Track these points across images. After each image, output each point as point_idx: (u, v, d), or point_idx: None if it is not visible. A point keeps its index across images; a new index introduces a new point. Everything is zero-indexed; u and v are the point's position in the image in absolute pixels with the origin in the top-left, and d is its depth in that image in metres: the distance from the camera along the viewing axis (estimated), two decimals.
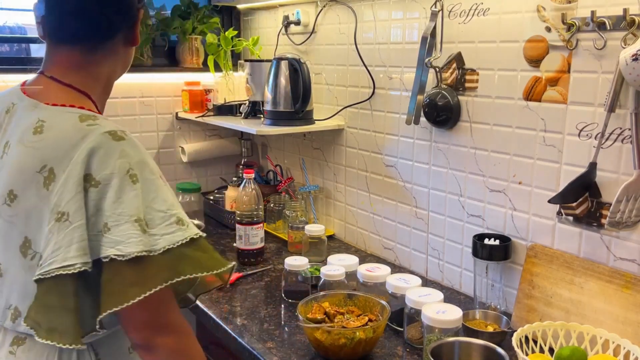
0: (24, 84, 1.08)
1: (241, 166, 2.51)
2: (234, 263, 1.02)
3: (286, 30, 2.27)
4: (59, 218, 0.90)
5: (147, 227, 0.91)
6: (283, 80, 2.02)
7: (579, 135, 1.37)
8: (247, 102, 2.26)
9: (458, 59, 1.62)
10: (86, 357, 1.00)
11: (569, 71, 1.37)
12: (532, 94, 1.45)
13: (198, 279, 1.01)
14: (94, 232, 0.91)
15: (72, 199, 0.90)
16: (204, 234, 0.98)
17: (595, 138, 1.33)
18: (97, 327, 0.93)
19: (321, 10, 2.10)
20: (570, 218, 1.41)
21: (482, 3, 1.54)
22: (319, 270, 1.67)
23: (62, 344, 0.90)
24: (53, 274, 0.89)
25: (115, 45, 1.07)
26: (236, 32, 2.41)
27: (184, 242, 0.93)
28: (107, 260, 0.89)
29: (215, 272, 0.97)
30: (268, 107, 2.06)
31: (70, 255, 0.89)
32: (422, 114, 1.66)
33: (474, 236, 1.56)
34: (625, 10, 1.21)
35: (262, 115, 2.17)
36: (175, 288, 0.96)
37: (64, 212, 0.90)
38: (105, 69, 1.08)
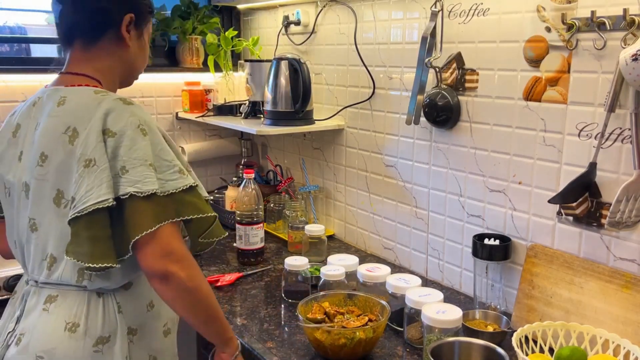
0: (46, 85, 1.24)
1: (241, 166, 2.51)
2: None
3: (286, 30, 2.27)
4: (87, 164, 1.06)
5: (156, 173, 1.08)
6: (283, 80, 2.02)
7: (579, 135, 1.37)
8: (247, 102, 2.26)
9: (458, 59, 1.62)
10: (110, 307, 1.15)
11: (569, 71, 1.37)
12: (532, 94, 1.45)
13: (203, 220, 1.17)
14: (112, 173, 1.06)
15: (95, 147, 1.07)
16: (198, 183, 1.16)
17: (595, 138, 1.33)
18: (130, 252, 1.09)
19: (321, 10, 2.10)
20: (570, 218, 1.41)
21: (482, 3, 1.54)
22: (319, 270, 1.67)
23: (107, 264, 1.07)
24: (90, 210, 1.04)
25: (107, 45, 1.20)
26: (236, 32, 2.41)
27: (184, 188, 1.10)
28: (126, 197, 1.05)
29: (209, 214, 1.15)
30: (268, 107, 2.06)
31: (103, 192, 1.05)
32: (422, 114, 1.66)
33: (474, 236, 1.56)
34: (625, 10, 1.21)
35: (262, 115, 2.17)
36: (187, 227, 1.17)
37: (91, 159, 1.06)
38: (103, 64, 1.21)
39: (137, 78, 1.32)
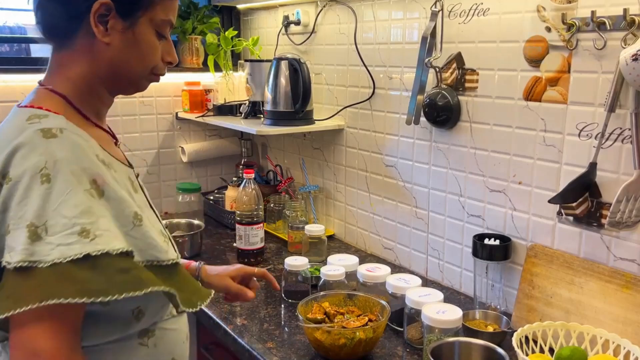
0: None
1: (241, 166, 2.51)
2: (152, 289, 0.87)
3: (286, 30, 2.27)
4: None
5: (46, 234, 0.81)
6: (283, 80, 2.02)
7: (579, 135, 1.37)
8: (247, 102, 2.26)
9: (458, 59, 1.62)
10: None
11: (569, 71, 1.37)
12: (532, 94, 1.45)
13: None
14: (1, 231, 0.84)
15: None
16: (121, 249, 0.85)
17: (595, 138, 1.33)
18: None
19: (321, 10, 2.10)
20: (570, 218, 1.41)
21: (482, 3, 1.54)
22: (319, 270, 1.67)
23: None
24: None
25: (80, 43, 0.96)
26: (236, 32, 2.41)
27: (76, 257, 0.81)
28: (2, 265, 0.83)
29: (101, 299, 0.81)
30: (268, 107, 2.06)
31: None
32: (422, 114, 1.66)
33: (474, 236, 1.56)
34: (625, 10, 1.21)
35: (262, 115, 2.17)
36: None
37: None
38: (74, 69, 0.97)
39: (140, 85, 1.05)
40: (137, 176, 1.08)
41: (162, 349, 1.01)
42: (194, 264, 1.33)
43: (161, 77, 1.06)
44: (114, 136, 1.08)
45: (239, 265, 1.40)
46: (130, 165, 1.07)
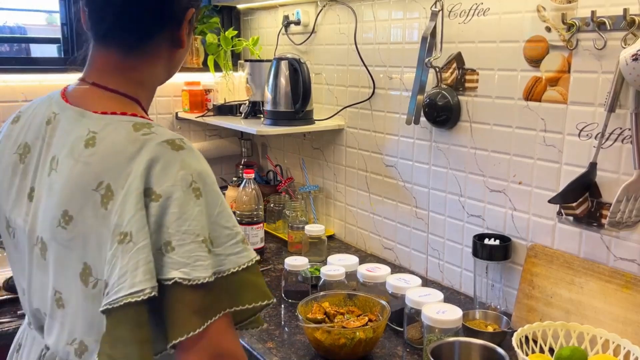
0: (64, 91, 0.98)
1: (241, 166, 2.51)
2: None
3: (286, 30, 2.27)
4: (122, 240, 0.80)
5: (212, 246, 0.83)
6: (283, 80, 2.02)
7: (579, 135, 1.37)
8: (247, 102, 2.26)
9: (458, 59, 1.62)
10: None
11: (569, 71, 1.37)
12: (532, 94, 1.45)
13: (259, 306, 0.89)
14: (154, 250, 0.81)
15: (133, 216, 0.81)
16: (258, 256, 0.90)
17: (596, 138, 1.33)
18: (166, 349, 0.84)
19: (321, 10, 2.10)
20: (571, 218, 1.41)
21: (482, 3, 1.54)
22: (319, 270, 1.67)
23: None
24: (121, 303, 0.79)
25: (156, 48, 0.95)
26: (236, 32, 2.41)
27: (248, 265, 0.85)
28: (169, 282, 0.80)
29: (269, 301, 0.88)
30: (268, 107, 2.06)
31: (138, 280, 0.79)
32: (422, 114, 1.66)
33: (474, 236, 1.56)
34: (625, 10, 1.21)
35: (262, 115, 2.17)
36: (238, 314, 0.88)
37: (127, 233, 0.80)
38: (146, 74, 0.96)
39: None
40: None
41: None
42: None
43: None
44: None
45: None
46: None
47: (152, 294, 0.79)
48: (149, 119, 0.92)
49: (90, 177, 0.84)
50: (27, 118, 0.99)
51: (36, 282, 0.95)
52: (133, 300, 0.78)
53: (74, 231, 0.86)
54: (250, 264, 0.85)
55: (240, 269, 0.84)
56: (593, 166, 1.33)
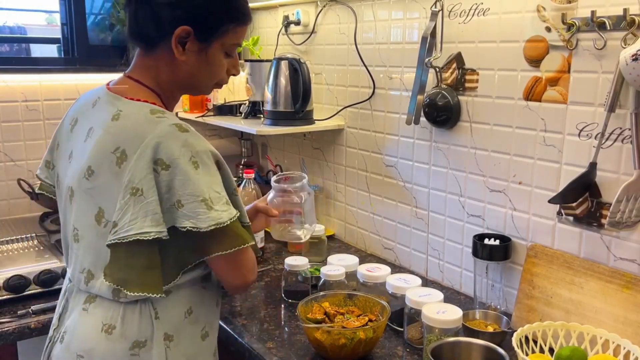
0: (108, 83, 1.21)
1: (241, 166, 2.51)
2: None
3: (286, 30, 2.27)
4: (134, 193, 1.05)
5: (212, 204, 1.06)
6: (283, 80, 2.02)
7: (579, 135, 1.37)
8: (247, 102, 2.26)
9: (458, 59, 1.62)
10: (146, 313, 1.13)
11: (569, 71, 1.37)
12: (532, 94, 1.45)
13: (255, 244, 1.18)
14: (168, 205, 1.06)
15: (144, 177, 1.05)
16: (236, 215, 1.11)
17: (595, 138, 1.33)
18: (178, 278, 1.13)
19: (321, 10, 2.10)
20: (571, 218, 1.41)
21: (482, 3, 1.54)
22: (319, 270, 1.67)
23: (152, 293, 1.08)
24: (132, 239, 1.04)
25: (162, 55, 1.14)
26: None
27: (235, 217, 1.09)
28: (184, 229, 1.06)
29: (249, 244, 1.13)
30: (268, 107, 2.06)
31: (146, 225, 1.04)
32: (422, 114, 1.66)
33: (474, 236, 1.56)
34: (625, 10, 1.21)
35: (262, 115, 2.17)
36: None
37: (139, 189, 1.05)
38: (161, 74, 1.16)
39: (206, 92, 1.28)
40: None
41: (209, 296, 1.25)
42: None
43: None
44: None
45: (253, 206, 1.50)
46: None
47: (156, 236, 1.05)
48: (164, 109, 1.14)
49: (111, 143, 1.09)
50: (81, 100, 1.25)
51: (67, 223, 1.20)
52: (142, 238, 1.04)
53: (94, 182, 1.11)
54: (235, 217, 1.09)
55: (233, 219, 1.08)
56: (593, 166, 1.33)
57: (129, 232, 1.05)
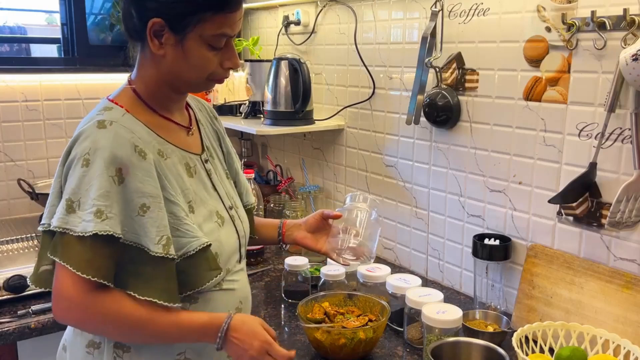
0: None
1: (241, 166, 2.50)
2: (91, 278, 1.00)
3: (286, 30, 2.27)
4: (54, 186, 1.08)
5: (79, 209, 1.00)
6: (283, 80, 2.02)
7: (579, 135, 1.37)
8: (247, 102, 2.26)
9: (458, 59, 1.62)
10: None
11: (569, 71, 1.37)
12: (532, 94, 1.45)
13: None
14: (60, 199, 1.04)
15: (57, 169, 1.07)
16: (107, 232, 0.98)
17: (595, 138, 1.33)
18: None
19: (321, 10, 2.10)
20: (570, 218, 1.41)
21: (482, 3, 1.54)
22: (319, 270, 1.67)
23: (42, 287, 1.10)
24: (40, 230, 1.07)
25: (144, 52, 1.10)
26: None
27: (92, 233, 0.98)
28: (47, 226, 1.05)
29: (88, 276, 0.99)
30: (268, 107, 2.06)
31: (44, 216, 1.06)
32: (422, 114, 1.66)
33: (474, 236, 1.56)
34: (625, 10, 1.21)
35: (262, 115, 2.17)
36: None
37: (54, 181, 1.08)
38: (147, 73, 1.11)
39: (198, 89, 1.16)
40: (205, 161, 1.19)
41: None
42: (276, 221, 1.44)
43: None
44: (187, 126, 1.19)
45: (318, 211, 1.40)
46: (199, 152, 1.19)
47: (49, 229, 1.02)
48: (120, 105, 1.09)
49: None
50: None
51: None
52: (43, 229, 1.06)
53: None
54: (90, 234, 0.98)
55: (86, 234, 0.98)
56: (593, 166, 1.33)
57: (44, 225, 1.07)
